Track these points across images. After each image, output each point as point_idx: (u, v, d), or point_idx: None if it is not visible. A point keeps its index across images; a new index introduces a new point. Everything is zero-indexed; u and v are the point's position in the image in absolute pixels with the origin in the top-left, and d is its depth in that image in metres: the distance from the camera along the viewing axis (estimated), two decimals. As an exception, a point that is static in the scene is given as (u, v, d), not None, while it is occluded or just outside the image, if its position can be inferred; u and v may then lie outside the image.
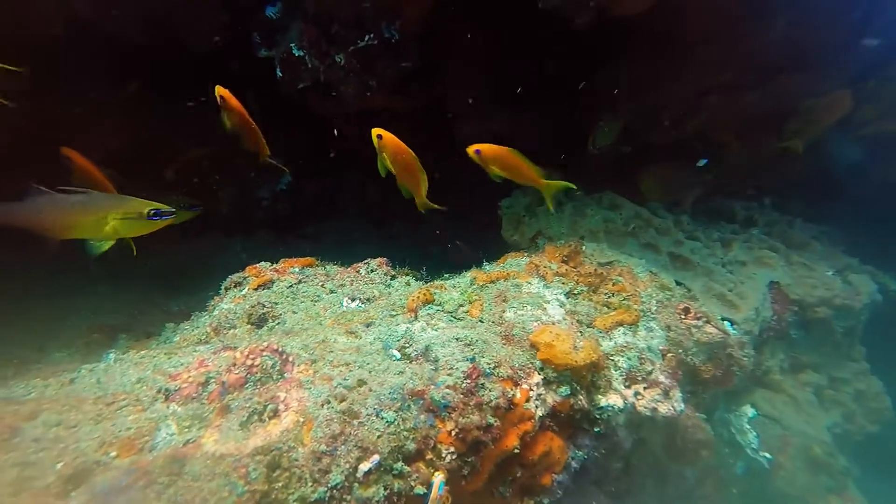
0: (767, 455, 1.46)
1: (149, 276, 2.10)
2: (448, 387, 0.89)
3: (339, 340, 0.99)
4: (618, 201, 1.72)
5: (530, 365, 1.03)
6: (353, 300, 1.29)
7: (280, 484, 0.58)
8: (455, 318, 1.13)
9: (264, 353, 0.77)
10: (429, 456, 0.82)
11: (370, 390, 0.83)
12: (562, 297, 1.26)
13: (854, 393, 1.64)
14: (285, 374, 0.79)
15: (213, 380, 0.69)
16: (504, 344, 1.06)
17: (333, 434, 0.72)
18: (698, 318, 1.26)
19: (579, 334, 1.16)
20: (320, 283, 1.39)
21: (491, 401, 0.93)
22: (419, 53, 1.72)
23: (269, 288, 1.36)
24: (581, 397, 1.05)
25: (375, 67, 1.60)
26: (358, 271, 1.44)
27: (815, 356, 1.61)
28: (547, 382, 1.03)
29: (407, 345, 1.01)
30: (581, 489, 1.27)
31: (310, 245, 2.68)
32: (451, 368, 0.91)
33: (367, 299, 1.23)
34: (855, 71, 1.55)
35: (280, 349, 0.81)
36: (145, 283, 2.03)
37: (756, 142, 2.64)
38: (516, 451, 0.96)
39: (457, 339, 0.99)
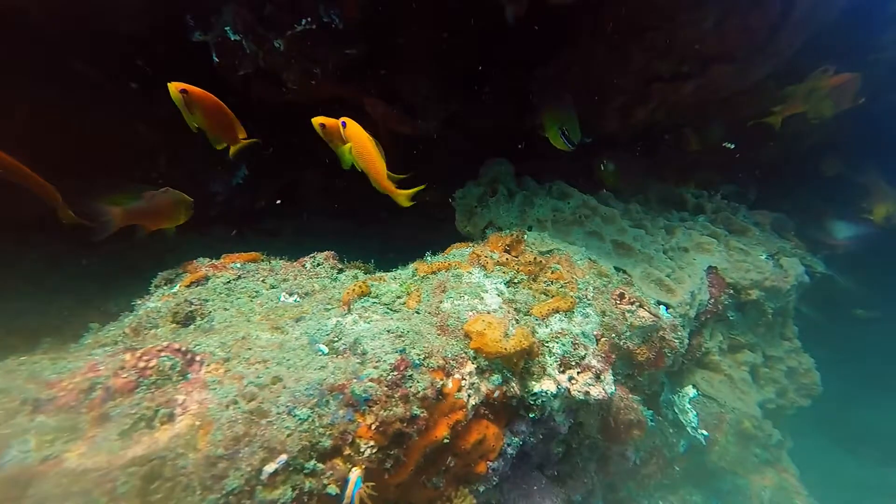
0: (705, 433, 1.51)
1: (89, 276, 1.98)
2: (372, 380, 0.87)
3: (261, 337, 0.95)
4: (567, 190, 1.72)
5: (464, 354, 1.02)
6: (291, 295, 1.24)
7: (159, 496, 0.54)
8: (391, 309, 1.10)
9: (162, 354, 0.72)
10: (346, 451, 0.79)
11: (284, 387, 0.80)
12: (501, 286, 1.25)
13: (787, 370, 1.71)
14: (189, 375, 0.74)
15: (98, 385, 0.64)
16: (438, 334, 1.04)
17: (235, 436, 0.68)
18: (632, 303, 1.27)
19: (515, 322, 1.15)
20: (261, 279, 1.33)
21: (418, 392, 0.91)
22: (365, 40, 1.66)
23: (202, 284, 1.29)
24: (514, 384, 1.05)
25: (317, 54, 1.53)
26: (304, 265, 1.39)
27: (751, 336, 1.67)
28: (480, 371, 1.02)
29: (336, 339, 0.97)
30: (524, 474, 1.28)
31: (270, 241, 2.59)
32: (379, 361, 0.89)
33: (306, 294, 1.19)
34: (778, 63, 1.59)
35: (185, 348, 0.76)
36: (84, 283, 1.91)
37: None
38: (447, 441, 0.94)
39: (388, 331, 0.96)
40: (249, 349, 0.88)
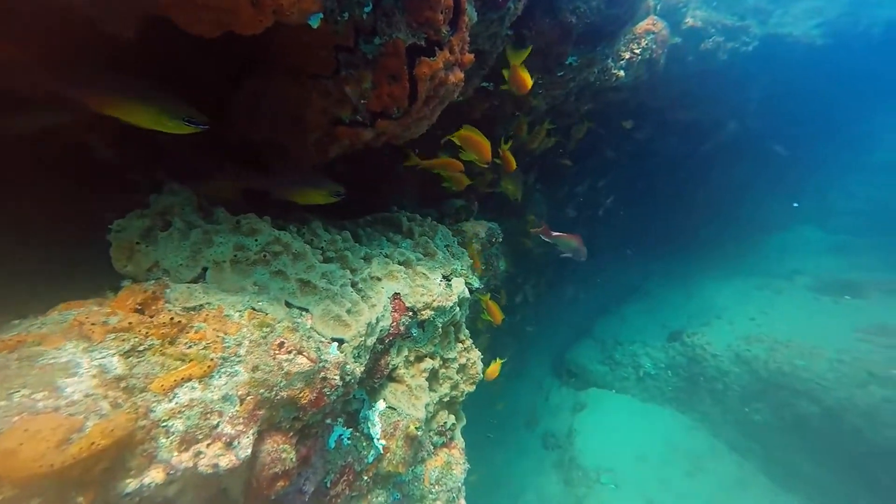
0: (383, 442, 1.67)
1: None
2: None
3: None
4: (257, 226, 1.57)
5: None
6: None
7: None
8: None
9: None
10: None
11: None
12: (110, 361, 0.99)
13: (458, 367, 2.08)
14: None
15: None
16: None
17: None
18: (290, 352, 1.24)
19: (117, 406, 0.93)
20: None
21: None
22: None
23: None
24: (80, 501, 0.83)
25: None
26: None
27: (431, 347, 1.95)
28: None
29: None
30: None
31: None
32: None
33: None
34: (430, 124, 1.88)
35: None
36: None
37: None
38: None
39: None
40: None
